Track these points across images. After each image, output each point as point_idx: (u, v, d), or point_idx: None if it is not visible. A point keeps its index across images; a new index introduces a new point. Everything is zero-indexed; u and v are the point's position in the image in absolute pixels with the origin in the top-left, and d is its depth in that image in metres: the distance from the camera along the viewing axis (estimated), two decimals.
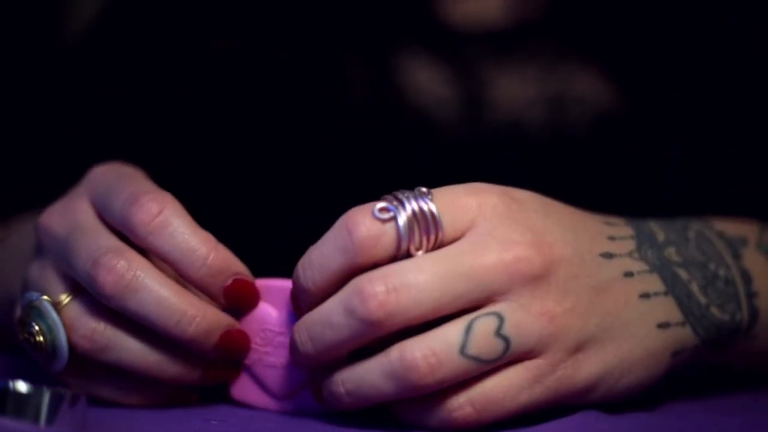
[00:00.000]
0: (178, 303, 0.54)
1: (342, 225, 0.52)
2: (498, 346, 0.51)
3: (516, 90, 0.77)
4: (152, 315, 0.54)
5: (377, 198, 0.53)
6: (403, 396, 0.51)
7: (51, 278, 0.57)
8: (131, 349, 0.55)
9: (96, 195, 0.58)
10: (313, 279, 0.52)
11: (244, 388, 0.58)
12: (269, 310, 0.57)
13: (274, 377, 0.57)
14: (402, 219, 0.51)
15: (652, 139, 0.77)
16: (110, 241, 0.56)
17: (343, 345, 0.52)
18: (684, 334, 0.56)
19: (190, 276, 0.55)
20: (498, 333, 0.51)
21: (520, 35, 0.78)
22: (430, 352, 0.50)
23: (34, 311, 0.56)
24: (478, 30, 0.78)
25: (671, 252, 0.57)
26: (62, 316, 0.56)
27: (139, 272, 0.54)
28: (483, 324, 0.51)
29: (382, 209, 0.52)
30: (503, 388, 0.51)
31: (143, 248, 0.56)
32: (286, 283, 0.55)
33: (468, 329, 0.51)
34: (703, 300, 0.56)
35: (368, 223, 0.51)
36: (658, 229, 0.58)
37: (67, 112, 0.79)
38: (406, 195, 0.52)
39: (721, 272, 0.58)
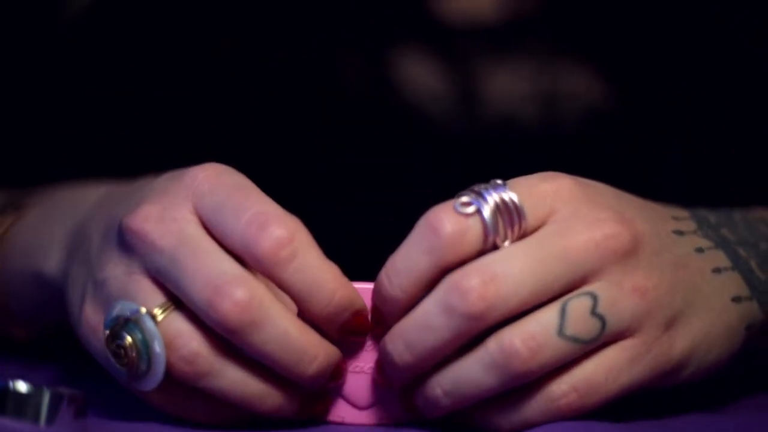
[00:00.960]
0: (301, 341, 0.51)
1: (425, 225, 0.51)
2: (594, 325, 0.51)
3: (510, 86, 0.77)
4: (274, 353, 0.50)
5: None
6: (506, 387, 0.51)
7: (144, 287, 0.52)
8: (232, 378, 0.51)
9: (203, 204, 0.52)
10: (401, 285, 0.51)
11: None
12: None
13: (358, 385, 0.54)
14: (487, 211, 0.51)
15: (648, 137, 0.78)
16: (231, 265, 0.51)
17: (443, 347, 0.50)
18: (753, 308, 0.56)
19: (314, 313, 0.51)
20: (593, 312, 0.51)
21: (515, 31, 0.78)
22: (529, 335, 0.50)
23: (129, 324, 0.51)
24: (473, 26, 0.78)
25: (725, 232, 0.57)
26: (161, 333, 0.51)
27: (264, 305, 0.50)
28: (577, 304, 0.51)
29: (464, 203, 0.51)
30: (604, 369, 0.51)
31: (266, 277, 0.51)
32: (366, 285, 0.53)
33: (562, 311, 0.50)
34: (762, 276, 0.57)
35: (453, 219, 0.50)
36: (707, 212, 0.58)
37: (66, 112, 0.78)
38: (484, 187, 0.51)
39: None
